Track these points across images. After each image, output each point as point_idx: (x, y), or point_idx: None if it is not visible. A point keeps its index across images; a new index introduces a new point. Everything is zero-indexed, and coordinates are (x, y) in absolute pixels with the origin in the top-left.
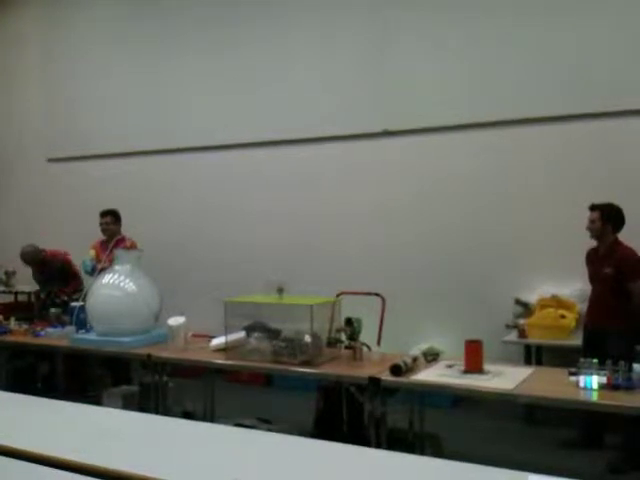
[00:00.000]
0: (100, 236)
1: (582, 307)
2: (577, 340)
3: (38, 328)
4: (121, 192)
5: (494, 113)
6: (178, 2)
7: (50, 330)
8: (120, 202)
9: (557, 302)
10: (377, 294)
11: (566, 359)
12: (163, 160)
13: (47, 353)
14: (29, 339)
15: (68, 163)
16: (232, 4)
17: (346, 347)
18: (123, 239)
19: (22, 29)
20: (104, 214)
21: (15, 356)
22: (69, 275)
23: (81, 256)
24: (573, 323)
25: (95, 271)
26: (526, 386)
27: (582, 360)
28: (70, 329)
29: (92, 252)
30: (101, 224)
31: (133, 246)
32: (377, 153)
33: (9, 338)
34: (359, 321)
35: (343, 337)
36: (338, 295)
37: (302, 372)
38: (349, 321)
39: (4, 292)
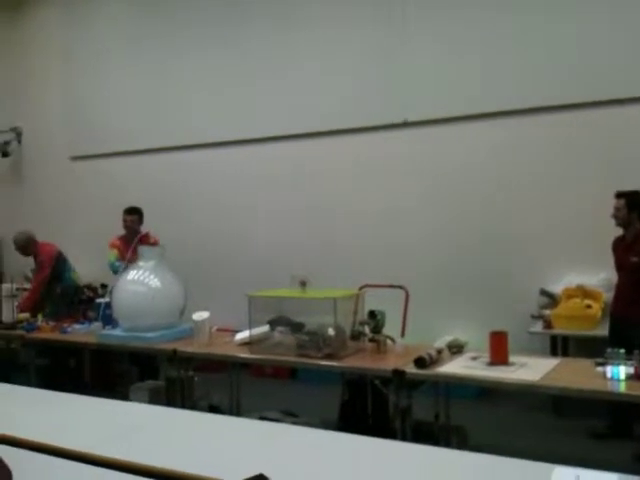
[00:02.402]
0: (116, 233)
1: (608, 297)
2: (604, 330)
3: (65, 325)
4: (143, 189)
5: (515, 102)
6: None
7: (77, 327)
8: (142, 199)
9: (583, 292)
10: (400, 287)
11: (593, 349)
12: (185, 157)
13: (74, 349)
14: (56, 336)
15: (91, 161)
16: None
17: (370, 340)
18: (147, 235)
19: (43, 31)
20: (130, 211)
21: (43, 353)
22: (36, 272)
23: (101, 252)
24: (599, 313)
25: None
26: (552, 377)
27: (609, 350)
28: (97, 325)
29: (115, 251)
30: (125, 220)
31: (156, 243)
32: (396, 145)
33: (37, 335)
34: (382, 314)
35: (367, 330)
36: (361, 288)
37: (326, 365)
38: (372, 314)
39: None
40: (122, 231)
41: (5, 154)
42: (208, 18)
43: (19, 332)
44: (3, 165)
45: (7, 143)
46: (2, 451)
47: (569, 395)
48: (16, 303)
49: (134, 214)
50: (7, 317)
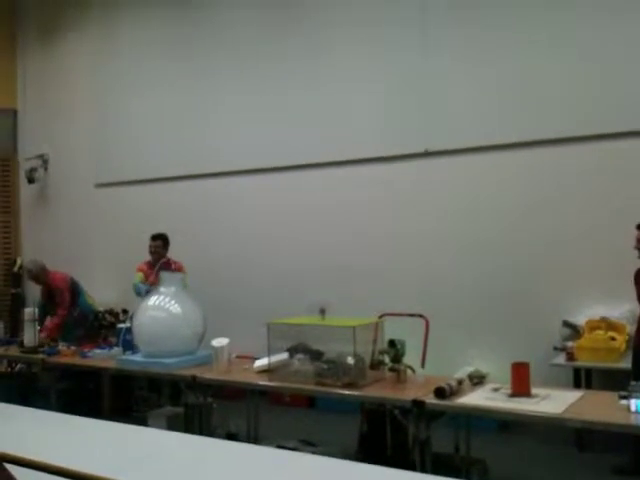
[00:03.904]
0: (139, 259)
1: (632, 329)
2: (628, 363)
3: (85, 349)
4: (166, 216)
5: (538, 132)
6: (214, 27)
7: (97, 351)
8: (165, 226)
9: (606, 324)
10: (420, 315)
11: (617, 382)
12: (206, 184)
13: (94, 374)
14: (77, 360)
15: (115, 188)
16: (268, 26)
17: (390, 369)
18: (169, 262)
19: (72, 61)
20: (155, 237)
21: (63, 377)
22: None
23: (123, 278)
24: (623, 345)
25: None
26: (575, 410)
27: (633, 383)
28: (117, 350)
29: (140, 274)
30: (150, 247)
31: (180, 269)
32: (417, 174)
33: (58, 359)
34: (402, 343)
35: (386, 359)
36: (381, 316)
37: (345, 394)
38: (392, 343)
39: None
40: (146, 257)
41: (31, 180)
42: (235, 47)
43: (40, 356)
44: (29, 191)
45: (34, 170)
46: (21, 473)
47: (592, 428)
48: (38, 328)
49: (158, 240)
50: (29, 341)
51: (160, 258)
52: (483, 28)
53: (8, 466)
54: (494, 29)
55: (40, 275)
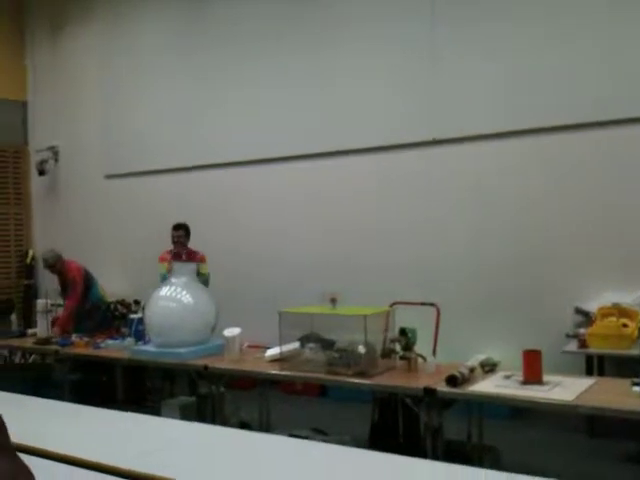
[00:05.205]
0: (150, 250)
1: None
2: None
3: (98, 340)
4: (177, 207)
5: (545, 119)
6: (221, 20)
7: (110, 342)
8: (176, 217)
9: (619, 311)
10: (432, 304)
11: (629, 369)
12: (218, 175)
13: (107, 364)
14: (90, 351)
15: (125, 179)
16: (273, 18)
17: (401, 358)
18: (195, 252)
19: (81, 52)
20: (177, 227)
21: (76, 367)
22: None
23: (134, 269)
24: (636, 332)
25: None
26: (587, 397)
27: None
28: (129, 341)
29: (165, 264)
30: (173, 236)
31: (203, 259)
32: (426, 162)
33: (71, 350)
34: (413, 331)
35: (397, 348)
36: (392, 305)
37: (356, 383)
38: (403, 332)
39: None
40: (154, 247)
41: (42, 172)
42: (240, 41)
43: (53, 347)
44: (40, 183)
45: (44, 162)
46: (36, 463)
47: (604, 415)
48: (50, 318)
49: (180, 230)
50: (42, 332)
51: (183, 247)
52: (491, 17)
53: (23, 456)
54: (502, 18)
55: (56, 264)
